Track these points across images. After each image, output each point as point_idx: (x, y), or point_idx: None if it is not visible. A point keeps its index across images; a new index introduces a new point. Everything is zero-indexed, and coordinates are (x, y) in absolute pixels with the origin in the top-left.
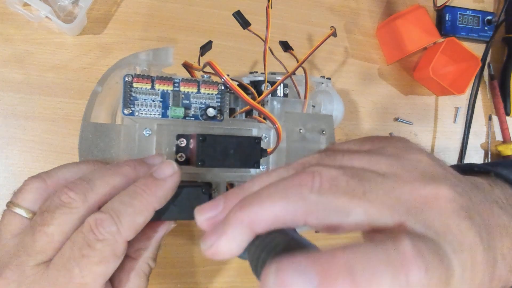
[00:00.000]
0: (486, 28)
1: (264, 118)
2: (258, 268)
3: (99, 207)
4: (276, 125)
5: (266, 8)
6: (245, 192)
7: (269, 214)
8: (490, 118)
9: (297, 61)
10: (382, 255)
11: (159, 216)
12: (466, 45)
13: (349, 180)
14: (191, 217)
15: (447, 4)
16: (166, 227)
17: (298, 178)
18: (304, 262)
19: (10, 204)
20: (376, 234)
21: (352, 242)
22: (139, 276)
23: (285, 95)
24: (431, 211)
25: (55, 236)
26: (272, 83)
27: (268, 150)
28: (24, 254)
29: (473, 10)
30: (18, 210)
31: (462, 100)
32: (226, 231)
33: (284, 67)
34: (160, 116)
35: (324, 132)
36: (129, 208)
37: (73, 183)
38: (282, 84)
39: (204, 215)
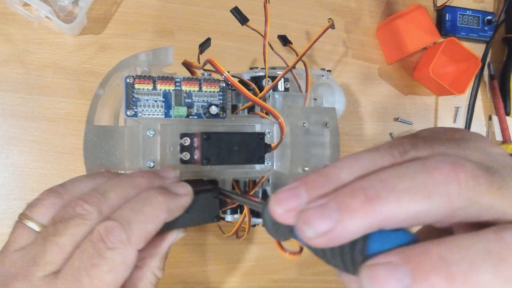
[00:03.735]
0: (486, 28)
1: (267, 113)
2: (349, 261)
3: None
4: (279, 120)
5: (264, 3)
6: (331, 179)
7: (407, 212)
8: (490, 118)
9: (297, 54)
10: (482, 246)
11: (168, 226)
12: (466, 45)
13: (486, 174)
14: (202, 221)
15: (447, 4)
16: (174, 235)
17: (439, 172)
18: (395, 258)
19: (23, 216)
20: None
21: (448, 235)
22: (145, 287)
23: (286, 89)
24: None
25: (66, 247)
26: (273, 78)
27: (272, 145)
28: (33, 264)
29: (473, 10)
30: (30, 224)
31: (462, 100)
32: (347, 220)
33: (284, 61)
34: (163, 116)
35: (327, 125)
36: (140, 215)
37: (87, 195)
38: (283, 79)
39: (283, 206)
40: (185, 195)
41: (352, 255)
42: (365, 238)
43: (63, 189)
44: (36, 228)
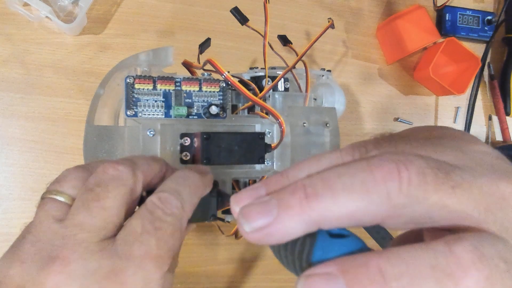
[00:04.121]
0: (486, 28)
1: (267, 113)
2: (298, 267)
3: (143, 188)
4: (279, 120)
5: (264, 3)
6: (291, 180)
7: (343, 210)
8: (490, 118)
9: (297, 54)
10: (427, 259)
11: None
12: (466, 45)
13: (437, 173)
14: (198, 220)
15: (447, 4)
16: (190, 227)
17: (380, 170)
18: (333, 269)
19: (50, 192)
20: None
21: (395, 246)
22: (170, 271)
23: (286, 89)
24: (509, 209)
25: (113, 210)
26: (273, 78)
27: (272, 145)
28: (83, 232)
29: (473, 10)
30: (60, 197)
31: (462, 100)
32: (283, 217)
33: (284, 61)
34: (163, 116)
35: (328, 125)
36: (186, 188)
37: (116, 160)
38: (283, 79)
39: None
40: (209, 173)
41: (300, 261)
42: (312, 244)
43: (87, 165)
44: (68, 201)
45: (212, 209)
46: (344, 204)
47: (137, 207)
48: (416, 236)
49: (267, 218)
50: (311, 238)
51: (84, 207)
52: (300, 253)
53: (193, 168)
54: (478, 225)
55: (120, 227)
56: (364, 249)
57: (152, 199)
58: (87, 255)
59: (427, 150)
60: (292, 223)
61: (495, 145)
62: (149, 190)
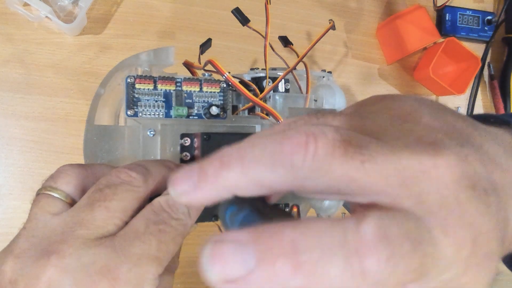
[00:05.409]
0: (486, 28)
1: (267, 114)
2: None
3: (152, 194)
4: (280, 121)
5: (265, 3)
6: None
7: (251, 181)
8: None
9: (297, 55)
10: (337, 235)
11: None
12: (466, 45)
13: (347, 146)
14: (200, 220)
15: (447, 4)
16: (192, 227)
17: (289, 142)
18: (245, 237)
19: (44, 188)
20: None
21: (307, 217)
22: (170, 272)
23: (287, 90)
24: (428, 182)
25: (116, 212)
26: (273, 79)
27: None
28: (82, 228)
29: (473, 10)
30: (55, 193)
31: (462, 100)
32: (201, 185)
33: (285, 62)
34: (164, 116)
35: None
36: None
37: (130, 166)
38: (283, 80)
39: (179, 189)
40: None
41: (225, 227)
42: (225, 210)
43: (85, 164)
44: (63, 198)
45: (214, 209)
46: (251, 174)
47: None
48: None
49: (188, 184)
50: (227, 205)
51: (88, 205)
52: (222, 218)
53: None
54: (393, 201)
55: (121, 229)
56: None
57: (160, 200)
58: (83, 250)
59: (353, 124)
60: (207, 190)
61: None
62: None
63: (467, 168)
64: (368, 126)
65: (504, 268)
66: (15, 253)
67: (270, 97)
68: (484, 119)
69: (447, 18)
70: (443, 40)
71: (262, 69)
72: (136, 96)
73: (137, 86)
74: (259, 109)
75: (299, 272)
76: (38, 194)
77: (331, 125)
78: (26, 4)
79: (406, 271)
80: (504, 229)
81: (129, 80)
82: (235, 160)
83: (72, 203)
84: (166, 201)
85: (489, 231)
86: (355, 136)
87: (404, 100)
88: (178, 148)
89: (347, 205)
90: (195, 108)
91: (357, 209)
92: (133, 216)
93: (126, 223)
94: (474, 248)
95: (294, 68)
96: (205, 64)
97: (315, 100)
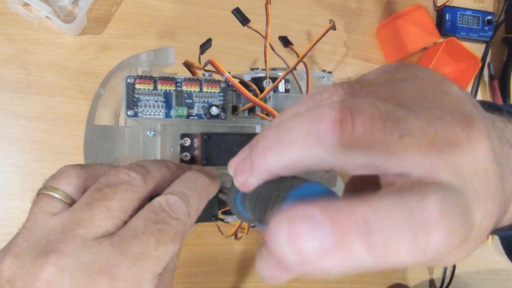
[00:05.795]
0: (486, 28)
1: (267, 114)
2: (265, 213)
3: (152, 194)
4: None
5: (265, 4)
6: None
7: (291, 162)
8: None
9: (297, 55)
10: (405, 213)
11: None
12: (466, 45)
13: (385, 121)
14: (200, 220)
15: (447, 4)
16: (194, 225)
17: (324, 121)
18: (320, 215)
19: (45, 189)
20: (399, 182)
21: (373, 193)
22: (169, 273)
23: (287, 91)
24: (463, 154)
25: (115, 212)
26: (273, 79)
27: None
28: (80, 227)
29: (473, 10)
30: (55, 194)
31: None
32: (253, 171)
33: (285, 62)
34: (164, 116)
35: None
36: (195, 193)
37: (130, 166)
38: (283, 80)
39: (240, 181)
40: (218, 177)
41: (272, 208)
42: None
43: (86, 164)
44: (63, 199)
45: (214, 210)
46: (290, 156)
47: None
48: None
49: (245, 174)
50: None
51: (88, 204)
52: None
53: (203, 171)
54: (430, 173)
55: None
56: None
57: (159, 200)
58: (81, 249)
59: (384, 95)
60: (257, 176)
61: None
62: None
63: (492, 142)
64: (400, 96)
65: (503, 267)
66: (13, 252)
67: (270, 97)
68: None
69: (447, 18)
70: (443, 40)
71: (262, 69)
72: (136, 96)
73: (137, 86)
74: (259, 109)
75: (373, 251)
76: (38, 194)
77: (363, 99)
78: (26, 4)
79: (456, 243)
80: (504, 211)
81: (129, 80)
82: (274, 143)
83: (72, 203)
84: (166, 200)
85: (498, 207)
86: (392, 110)
87: (429, 71)
88: (178, 148)
89: None
90: (195, 108)
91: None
92: (132, 215)
93: (126, 222)
94: (489, 221)
95: (294, 68)
96: (205, 64)
97: None
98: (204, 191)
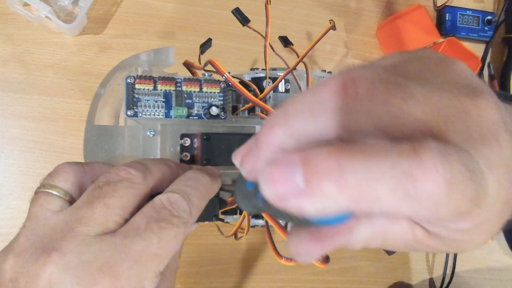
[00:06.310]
0: (486, 28)
1: (267, 115)
2: None
3: (152, 192)
4: None
5: (265, 4)
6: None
7: (298, 133)
8: None
9: (297, 55)
10: (390, 157)
11: None
12: (466, 45)
13: (387, 84)
14: (200, 220)
15: (447, 4)
16: (196, 224)
17: (326, 89)
18: (295, 159)
19: (43, 187)
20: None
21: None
22: (171, 272)
23: (287, 91)
24: (471, 120)
25: (116, 209)
26: (273, 79)
27: None
28: (82, 225)
29: (473, 10)
30: (54, 191)
31: None
32: (260, 155)
33: (285, 62)
34: (164, 117)
35: None
36: (196, 192)
37: (129, 164)
38: (283, 80)
39: (247, 168)
40: (219, 176)
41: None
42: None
43: (83, 162)
44: (62, 195)
45: (215, 209)
46: (295, 128)
47: None
48: None
49: (252, 159)
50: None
51: (88, 202)
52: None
53: (204, 170)
54: (439, 134)
55: (121, 226)
56: None
57: (161, 198)
58: (83, 247)
59: (388, 69)
60: (263, 155)
61: None
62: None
63: (502, 113)
64: (403, 71)
65: (503, 266)
66: (15, 252)
67: (270, 97)
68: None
69: (447, 18)
70: (443, 40)
71: (262, 69)
72: (136, 96)
73: (137, 86)
74: (259, 109)
75: (345, 192)
76: (36, 192)
77: (372, 67)
78: (26, 4)
79: (461, 198)
80: None
81: (129, 80)
82: (279, 118)
83: (71, 200)
84: (167, 198)
85: None
86: (394, 76)
87: (433, 52)
88: (178, 148)
89: None
90: (195, 108)
91: None
92: (133, 213)
93: (126, 220)
94: (508, 193)
95: (294, 68)
96: (205, 64)
97: None
98: (205, 190)
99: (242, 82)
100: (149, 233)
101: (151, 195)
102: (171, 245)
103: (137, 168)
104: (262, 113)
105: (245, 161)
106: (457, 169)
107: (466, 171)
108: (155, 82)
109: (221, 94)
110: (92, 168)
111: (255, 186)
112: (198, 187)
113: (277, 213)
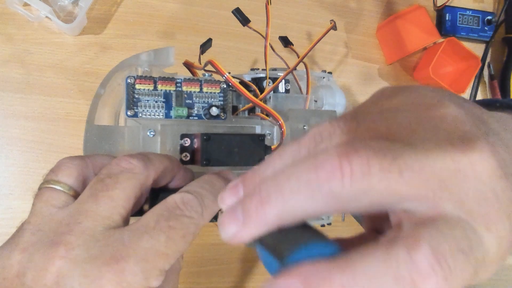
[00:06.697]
0: (486, 28)
1: (267, 115)
2: (275, 258)
3: (154, 184)
4: (280, 122)
5: (266, 4)
6: (261, 177)
7: (294, 211)
8: None
9: (298, 56)
10: (391, 270)
11: None
12: (466, 45)
13: (381, 160)
14: None
15: (447, 4)
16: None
17: (323, 168)
18: (297, 281)
19: (46, 182)
20: (406, 219)
21: (355, 249)
22: (175, 272)
23: (287, 91)
24: (465, 181)
25: (120, 201)
26: (274, 80)
27: (272, 147)
28: (88, 220)
29: (473, 10)
30: (57, 186)
31: None
32: (247, 224)
33: (285, 63)
34: (164, 117)
35: None
36: (211, 195)
37: (131, 155)
38: (283, 80)
39: (226, 204)
40: (230, 174)
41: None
42: (294, 246)
43: (84, 156)
44: (65, 189)
45: None
46: (293, 206)
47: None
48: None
49: (236, 226)
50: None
51: (92, 196)
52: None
53: (220, 175)
54: (434, 205)
55: (126, 219)
56: (337, 252)
57: (175, 197)
58: (91, 242)
59: (379, 128)
60: (253, 227)
61: None
62: (160, 188)
63: (497, 158)
64: (396, 129)
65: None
66: (21, 247)
67: (270, 97)
68: (488, 104)
69: (447, 18)
70: (443, 40)
71: (263, 69)
72: (136, 96)
73: (137, 86)
74: (259, 109)
75: None
76: (40, 188)
77: (358, 136)
78: (26, 4)
79: (462, 281)
80: None
81: (129, 81)
82: (274, 194)
83: (75, 195)
84: (181, 198)
85: None
86: (387, 147)
87: (423, 91)
88: (178, 148)
89: (358, 218)
90: (195, 108)
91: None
92: (137, 203)
93: (130, 211)
94: (510, 238)
95: (295, 68)
96: (205, 65)
97: (315, 101)
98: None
99: (242, 83)
100: (157, 231)
101: (152, 189)
102: (179, 245)
103: (139, 158)
104: (262, 113)
105: (227, 223)
106: (453, 259)
107: (461, 255)
108: (155, 82)
109: (221, 95)
110: (94, 161)
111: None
112: (212, 190)
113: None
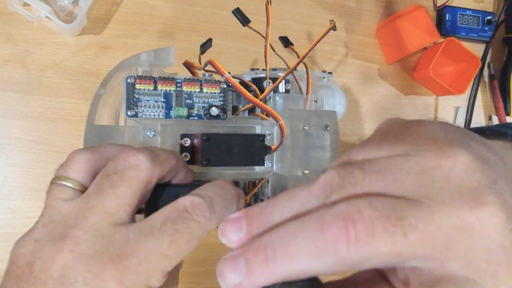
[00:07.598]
0: (486, 28)
1: (267, 115)
2: None
3: (158, 180)
4: (280, 122)
5: (266, 4)
6: (266, 218)
7: (300, 270)
8: (490, 118)
9: (298, 56)
10: None
11: None
12: (466, 45)
13: (385, 221)
14: None
15: (447, 4)
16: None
17: (330, 231)
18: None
19: (57, 178)
20: (413, 277)
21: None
22: (176, 270)
23: (287, 91)
24: (473, 238)
25: (125, 199)
26: (274, 80)
27: (272, 147)
28: (94, 215)
29: (473, 10)
30: (66, 183)
31: (462, 100)
32: (250, 277)
33: (285, 63)
34: (164, 117)
35: (328, 128)
36: (222, 200)
37: (138, 149)
38: (283, 80)
39: (228, 238)
40: (243, 197)
41: None
42: None
43: (92, 148)
44: (75, 187)
45: None
46: (299, 265)
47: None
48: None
49: (237, 276)
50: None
51: (98, 192)
52: None
53: (233, 184)
54: (441, 265)
55: (132, 215)
56: None
57: (184, 200)
58: (97, 237)
59: (386, 179)
60: (257, 280)
61: None
62: (163, 184)
63: (506, 210)
64: (401, 184)
65: None
66: (33, 238)
67: (270, 97)
68: (479, 131)
69: (447, 18)
70: (443, 40)
71: (263, 69)
72: (136, 96)
73: (137, 86)
74: (259, 110)
75: None
76: (51, 183)
77: (365, 190)
78: (26, 4)
79: None
80: None
81: (129, 81)
82: (279, 253)
83: (83, 189)
84: (191, 201)
85: None
86: (392, 206)
87: (433, 132)
88: (178, 148)
89: None
90: (195, 108)
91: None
92: (142, 199)
93: (136, 208)
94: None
95: (295, 68)
96: (205, 65)
97: (316, 101)
98: (231, 201)
99: (242, 83)
100: (162, 234)
101: (158, 184)
102: (183, 248)
103: (146, 154)
104: (262, 113)
105: (228, 272)
106: None
107: None
108: (155, 82)
109: (221, 95)
110: (103, 152)
111: None
112: (225, 196)
113: None
